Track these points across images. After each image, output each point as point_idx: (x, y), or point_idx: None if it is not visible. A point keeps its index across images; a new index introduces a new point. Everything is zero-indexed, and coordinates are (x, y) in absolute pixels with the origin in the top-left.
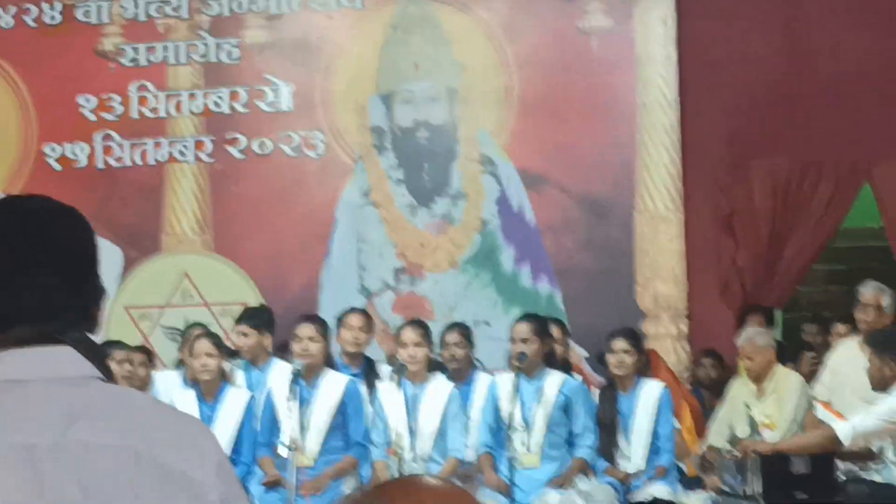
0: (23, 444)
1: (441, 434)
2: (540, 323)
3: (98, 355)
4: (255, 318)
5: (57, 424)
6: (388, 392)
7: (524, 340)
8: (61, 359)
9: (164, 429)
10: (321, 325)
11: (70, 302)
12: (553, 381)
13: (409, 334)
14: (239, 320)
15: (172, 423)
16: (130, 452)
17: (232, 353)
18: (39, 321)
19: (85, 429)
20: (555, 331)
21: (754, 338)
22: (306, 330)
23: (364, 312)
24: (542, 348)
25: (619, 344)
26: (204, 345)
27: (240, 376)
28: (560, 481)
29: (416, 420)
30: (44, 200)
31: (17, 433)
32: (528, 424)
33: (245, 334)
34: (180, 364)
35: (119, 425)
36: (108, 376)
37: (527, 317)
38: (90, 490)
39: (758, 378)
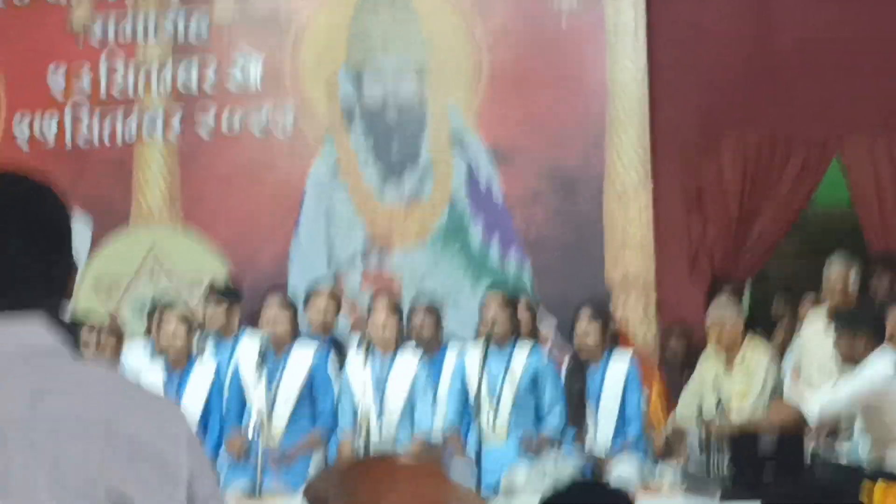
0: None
1: (409, 408)
2: (508, 296)
3: (67, 328)
4: (223, 291)
5: (25, 399)
6: (356, 366)
7: (492, 313)
8: (29, 330)
9: (134, 404)
10: (287, 298)
11: (40, 273)
12: (521, 352)
13: (380, 304)
14: (207, 293)
15: (142, 398)
16: (101, 426)
17: (200, 326)
18: (7, 291)
19: (55, 402)
20: (523, 304)
21: (723, 310)
22: (273, 303)
23: (331, 287)
24: (510, 320)
25: (585, 315)
26: (172, 317)
27: (208, 348)
28: (527, 454)
29: (384, 394)
30: (15, 174)
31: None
32: (495, 398)
33: (213, 307)
34: (147, 336)
35: (89, 399)
36: (77, 349)
37: (494, 288)
38: (60, 464)
39: (727, 350)
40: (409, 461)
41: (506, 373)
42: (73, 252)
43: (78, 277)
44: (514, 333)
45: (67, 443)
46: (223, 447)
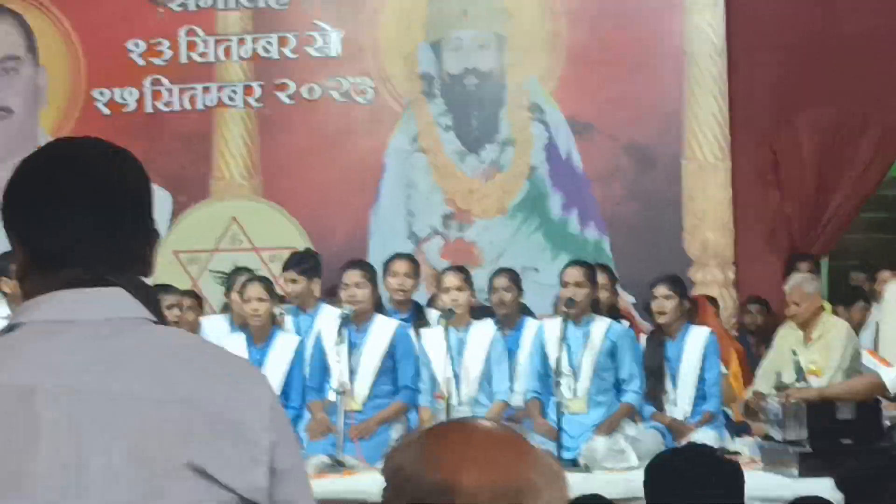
0: (64, 385)
1: (486, 378)
2: (588, 268)
3: (151, 298)
4: (304, 263)
5: (106, 371)
6: (434, 337)
7: (573, 285)
8: (112, 300)
9: (215, 374)
10: (368, 270)
11: (120, 244)
12: (600, 326)
13: (451, 279)
14: (287, 265)
15: (225, 368)
16: (182, 400)
17: (281, 298)
18: (89, 263)
19: (135, 375)
20: (602, 277)
21: (802, 284)
22: (354, 276)
23: (410, 258)
24: (590, 294)
25: (662, 290)
26: (255, 289)
27: (288, 321)
28: (607, 427)
29: (461, 364)
30: (94, 142)
31: (59, 375)
32: (575, 370)
33: (293, 280)
34: (227, 308)
35: (170, 372)
36: (161, 319)
37: (575, 262)
38: (139, 438)
39: (805, 325)
40: (492, 424)
41: (585, 345)
42: (154, 221)
43: (158, 249)
44: (593, 306)
45: (147, 417)
46: (305, 419)
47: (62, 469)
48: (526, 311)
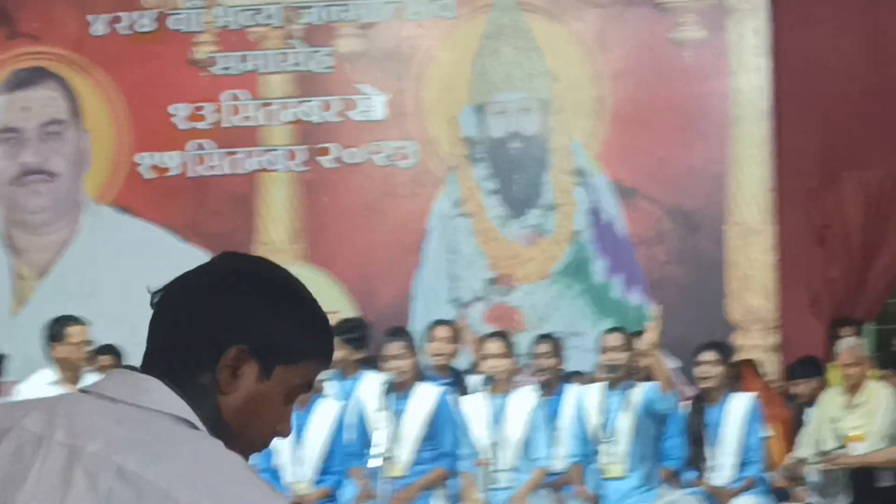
0: (67, 443)
1: (527, 444)
2: (629, 335)
3: (206, 405)
4: (351, 332)
5: (104, 437)
6: (475, 403)
7: (611, 351)
8: (160, 393)
9: (216, 483)
10: (409, 339)
11: (198, 350)
12: (640, 391)
13: (492, 346)
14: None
15: (228, 481)
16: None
17: None
18: (162, 357)
19: (132, 458)
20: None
21: (854, 348)
22: (395, 347)
23: (451, 324)
24: (630, 360)
25: (707, 356)
26: None
27: (331, 387)
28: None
29: (502, 431)
30: (237, 257)
31: (71, 433)
32: (614, 435)
33: (337, 347)
34: None
35: (171, 468)
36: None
37: (614, 328)
38: None
39: (850, 388)
40: None
41: (625, 410)
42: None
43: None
44: (634, 372)
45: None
46: (346, 485)
47: None
48: (565, 376)
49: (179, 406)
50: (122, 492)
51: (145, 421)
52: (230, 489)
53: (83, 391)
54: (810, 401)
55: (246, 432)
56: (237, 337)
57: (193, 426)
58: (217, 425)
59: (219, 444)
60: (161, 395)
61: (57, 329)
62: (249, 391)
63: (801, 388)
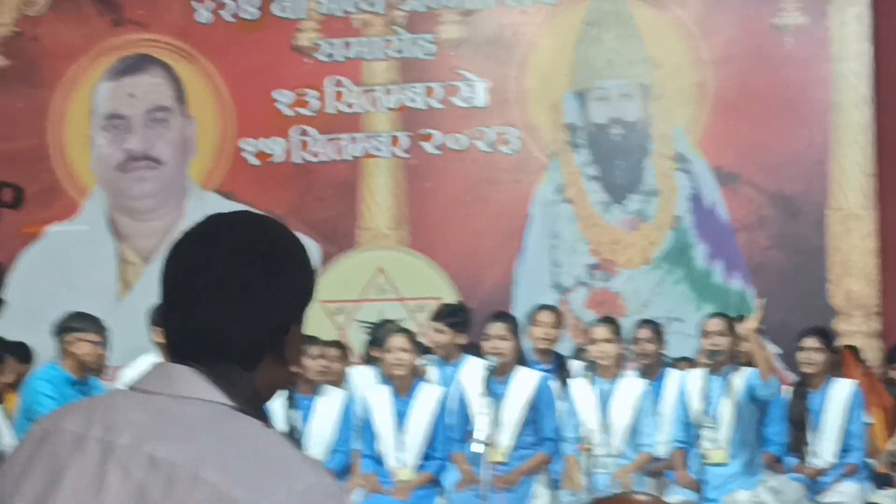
0: (106, 439)
1: (632, 430)
2: (729, 319)
3: (248, 387)
4: (454, 316)
5: (136, 429)
6: (581, 388)
7: (714, 336)
8: (189, 380)
9: (250, 463)
10: (512, 322)
11: (238, 338)
12: (741, 377)
13: (600, 331)
14: (435, 317)
15: (264, 457)
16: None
17: (425, 350)
18: (197, 341)
19: (162, 445)
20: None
21: None
22: (497, 328)
23: (554, 309)
24: (732, 345)
25: (810, 342)
26: (399, 340)
27: (433, 372)
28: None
29: (608, 416)
30: (259, 231)
31: (110, 430)
32: (716, 420)
33: (440, 331)
34: (370, 360)
35: (200, 450)
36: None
37: (717, 314)
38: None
39: None
40: (647, 498)
41: (727, 395)
42: (286, 313)
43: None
44: (736, 357)
45: (158, 482)
46: (449, 470)
47: None
48: (667, 362)
49: (211, 391)
50: (155, 480)
51: (176, 408)
52: (261, 465)
53: (125, 387)
54: None
55: (272, 394)
56: (291, 315)
57: (227, 408)
58: (253, 400)
59: (253, 422)
60: (193, 382)
61: (158, 314)
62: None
63: None
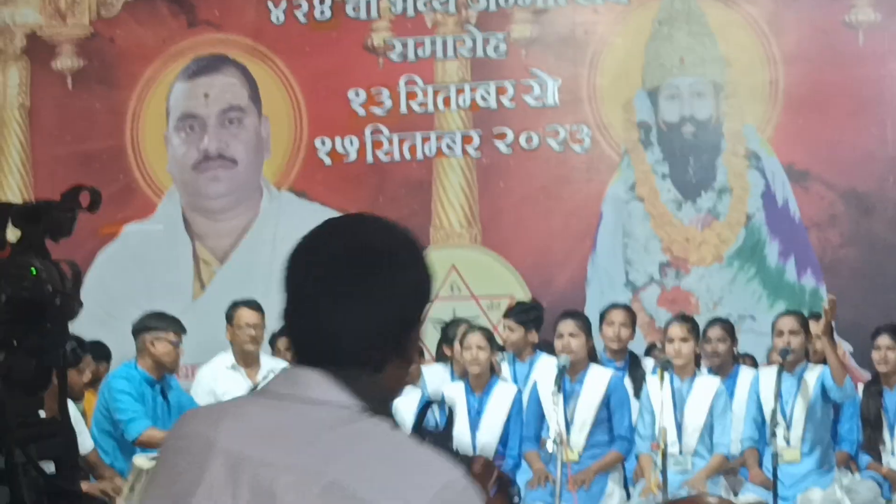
0: (230, 449)
1: (707, 429)
2: (802, 317)
3: (369, 393)
4: (525, 313)
5: (266, 439)
6: (655, 386)
7: (787, 334)
8: (323, 385)
9: (384, 464)
10: (583, 320)
11: (365, 341)
12: (814, 375)
13: (676, 330)
14: (507, 314)
15: (399, 458)
16: (326, 488)
17: (500, 348)
18: (329, 348)
19: (291, 454)
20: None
21: None
22: (568, 326)
23: (626, 308)
24: (805, 343)
25: (885, 340)
26: (476, 337)
27: (505, 369)
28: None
29: (683, 415)
30: (376, 233)
31: (237, 439)
32: (788, 419)
33: (511, 329)
34: (442, 357)
35: (329, 455)
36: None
37: (789, 311)
38: None
39: None
40: (719, 500)
41: (800, 394)
42: (411, 325)
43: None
44: (808, 355)
45: (294, 492)
46: (523, 468)
47: None
48: (739, 360)
49: (340, 393)
50: (285, 484)
51: (305, 411)
52: (395, 464)
53: (255, 392)
54: None
55: (399, 394)
56: (412, 315)
57: (357, 409)
58: (383, 401)
59: (383, 422)
60: (322, 385)
61: (230, 312)
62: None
63: None
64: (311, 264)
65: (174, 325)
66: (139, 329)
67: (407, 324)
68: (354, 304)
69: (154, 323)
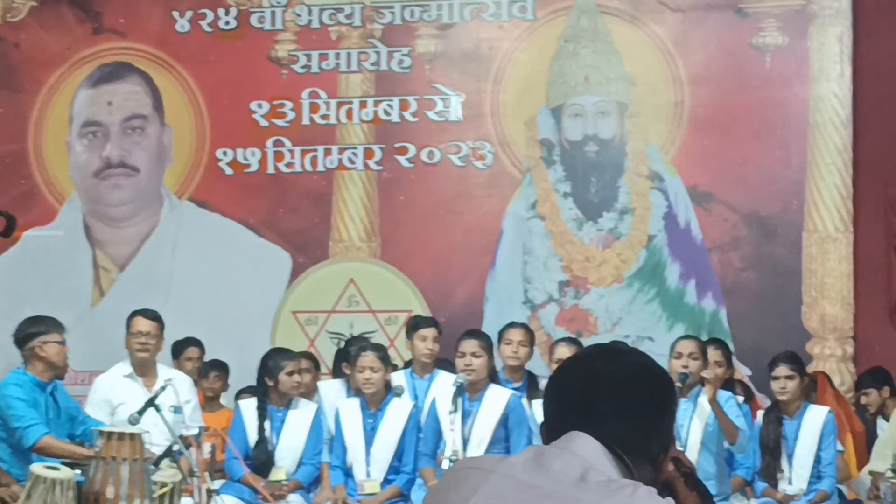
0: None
1: None
2: (701, 342)
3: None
4: (419, 329)
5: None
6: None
7: (686, 357)
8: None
9: None
10: (485, 340)
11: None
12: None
13: (563, 350)
14: (406, 330)
15: None
16: None
17: (394, 366)
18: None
19: None
20: (716, 354)
21: None
22: (470, 345)
23: (525, 326)
24: (701, 367)
25: (783, 370)
26: (368, 359)
27: (404, 386)
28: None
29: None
30: (641, 359)
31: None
32: (684, 442)
33: (410, 344)
34: (340, 373)
35: None
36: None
37: (688, 336)
38: None
39: None
40: None
41: (693, 417)
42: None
43: (276, 309)
44: (702, 380)
45: None
46: (418, 485)
47: None
48: None
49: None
50: None
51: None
52: None
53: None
54: (878, 411)
55: None
56: (667, 439)
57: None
58: None
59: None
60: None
61: (128, 320)
62: None
63: (871, 398)
64: (594, 375)
65: (56, 326)
66: (24, 337)
67: (664, 444)
68: (635, 415)
69: (37, 328)
